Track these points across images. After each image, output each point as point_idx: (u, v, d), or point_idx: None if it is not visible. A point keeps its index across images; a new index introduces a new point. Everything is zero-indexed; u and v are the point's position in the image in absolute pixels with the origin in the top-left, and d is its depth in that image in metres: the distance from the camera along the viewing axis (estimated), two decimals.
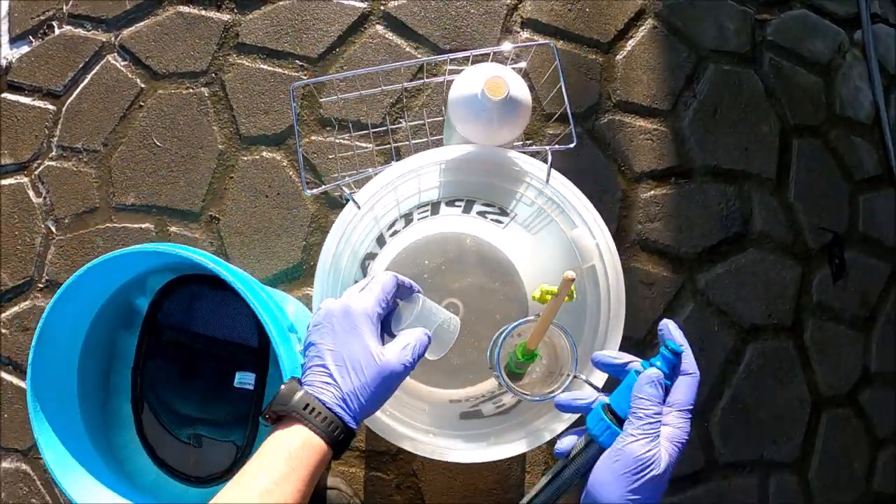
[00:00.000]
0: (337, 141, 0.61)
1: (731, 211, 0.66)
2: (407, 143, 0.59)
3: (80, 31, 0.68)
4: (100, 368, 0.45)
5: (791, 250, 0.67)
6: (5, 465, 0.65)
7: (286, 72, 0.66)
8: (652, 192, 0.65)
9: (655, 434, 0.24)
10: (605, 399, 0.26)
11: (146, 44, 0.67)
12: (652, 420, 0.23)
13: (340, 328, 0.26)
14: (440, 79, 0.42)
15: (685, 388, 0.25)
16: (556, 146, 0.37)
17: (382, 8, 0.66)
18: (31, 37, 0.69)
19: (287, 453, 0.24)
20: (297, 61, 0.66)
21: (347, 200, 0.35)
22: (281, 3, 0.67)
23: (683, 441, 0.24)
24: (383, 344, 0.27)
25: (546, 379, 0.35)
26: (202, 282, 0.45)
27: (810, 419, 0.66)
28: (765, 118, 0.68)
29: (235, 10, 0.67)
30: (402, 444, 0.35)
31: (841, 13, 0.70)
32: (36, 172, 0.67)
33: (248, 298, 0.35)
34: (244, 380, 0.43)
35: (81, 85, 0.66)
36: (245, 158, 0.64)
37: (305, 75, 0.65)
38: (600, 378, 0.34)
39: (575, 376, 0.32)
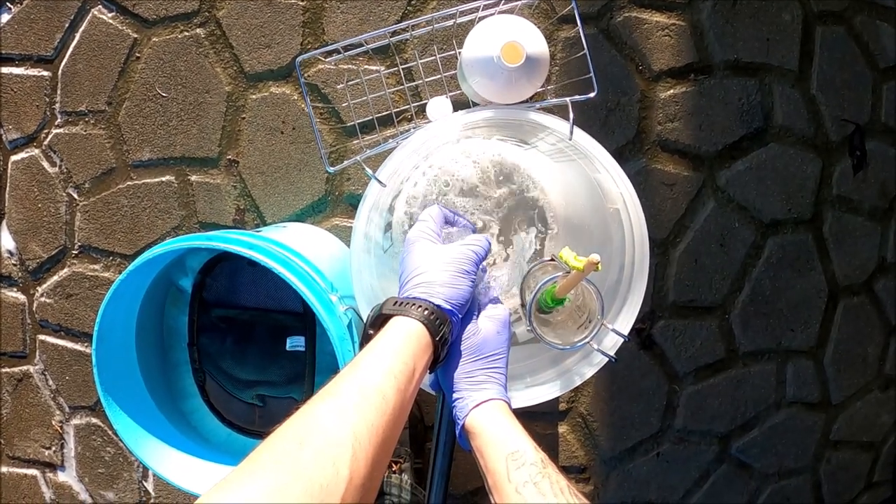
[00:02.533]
0: (345, 67, 0.52)
1: (751, 106, 0.57)
2: (416, 63, 0.51)
3: None
4: (157, 345, 0.43)
5: (812, 143, 0.58)
6: (76, 421, 0.64)
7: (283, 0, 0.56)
8: (671, 90, 0.55)
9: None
10: None
11: None
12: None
13: (408, 255, 0.28)
14: (449, 22, 0.33)
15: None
16: (576, 97, 0.32)
17: None
18: (8, 3, 0.59)
19: (390, 344, 0.24)
20: None
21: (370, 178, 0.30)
22: None
23: (505, 318, 0.27)
24: None
25: (574, 314, 0.32)
26: (239, 257, 0.40)
27: (827, 308, 0.60)
28: (786, 6, 0.56)
29: None
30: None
31: None
32: (45, 142, 0.59)
33: (285, 277, 0.32)
34: (295, 343, 0.42)
35: (72, 45, 0.57)
36: (254, 97, 0.55)
37: (302, 1, 0.55)
38: (626, 324, 0.32)
39: (603, 324, 0.30)
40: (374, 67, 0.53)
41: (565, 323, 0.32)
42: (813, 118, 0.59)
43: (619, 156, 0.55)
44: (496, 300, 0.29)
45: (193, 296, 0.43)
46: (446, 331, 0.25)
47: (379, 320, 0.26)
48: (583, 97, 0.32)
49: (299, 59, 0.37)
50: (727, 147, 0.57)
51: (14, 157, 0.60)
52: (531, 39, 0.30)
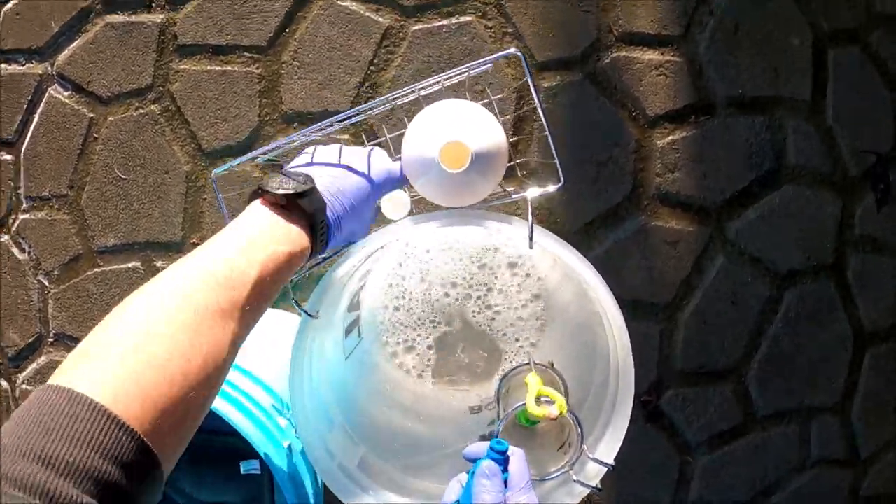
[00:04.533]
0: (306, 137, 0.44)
1: (761, 145, 0.46)
2: (384, 138, 0.42)
3: (16, 68, 0.50)
4: None
5: (830, 181, 0.47)
6: None
7: (236, 68, 0.47)
8: (670, 136, 0.45)
9: None
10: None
11: (84, 67, 0.49)
12: None
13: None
14: (407, 98, 0.24)
15: (517, 466, 0.22)
16: (537, 191, 0.23)
17: None
18: None
19: (238, 221, 0.19)
20: (245, 53, 0.47)
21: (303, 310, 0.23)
22: None
23: None
24: None
25: (554, 432, 0.27)
26: None
27: (853, 358, 0.49)
28: (795, 29, 0.45)
29: (167, 7, 0.48)
30: None
31: None
32: (13, 228, 0.52)
33: (224, 415, 0.27)
34: (250, 467, 0.37)
35: (32, 127, 0.49)
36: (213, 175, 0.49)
37: (257, 68, 0.47)
38: (609, 453, 0.25)
39: (583, 452, 0.24)
40: (342, 136, 0.45)
41: (549, 434, 0.27)
42: (830, 153, 0.48)
43: (615, 215, 0.45)
44: (529, 491, 0.22)
45: None
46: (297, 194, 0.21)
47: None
48: (544, 191, 0.24)
49: (214, 173, 0.28)
50: (736, 195, 0.46)
51: None
52: (480, 132, 0.22)
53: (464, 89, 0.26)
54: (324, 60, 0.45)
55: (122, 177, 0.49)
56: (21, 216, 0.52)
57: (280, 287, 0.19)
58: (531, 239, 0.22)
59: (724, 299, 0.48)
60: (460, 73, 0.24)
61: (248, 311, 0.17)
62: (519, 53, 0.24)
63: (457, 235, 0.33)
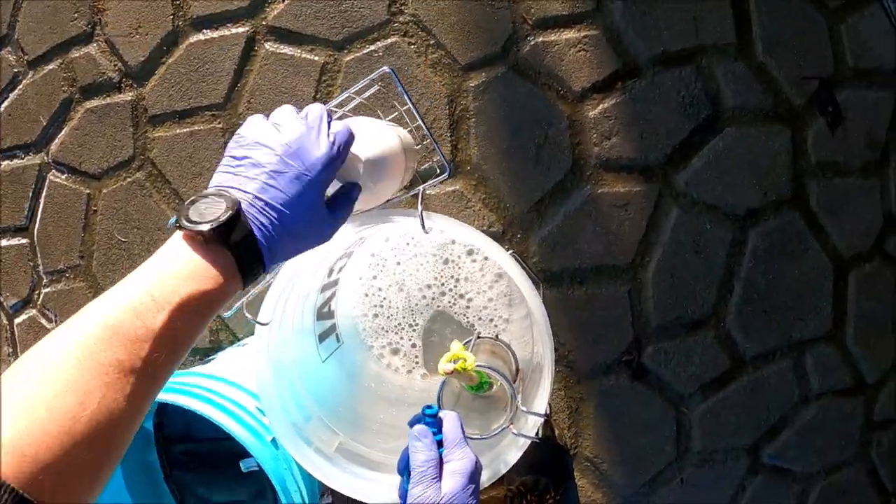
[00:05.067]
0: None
1: (693, 96, 0.47)
2: None
3: (17, 162, 0.58)
4: (143, 483, 0.42)
5: (775, 114, 0.47)
6: None
7: (203, 126, 0.52)
8: (600, 106, 0.46)
9: (432, 477, 0.22)
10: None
11: (74, 150, 0.55)
12: (423, 468, 0.22)
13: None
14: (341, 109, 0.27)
15: (449, 426, 0.23)
16: (430, 182, 0.27)
17: (264, 24, 0.51)
18: None
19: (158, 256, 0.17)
20: (206, 112, 0.53)
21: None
22: (170, 60, 0.53)
23: (469, 469, 0.22)
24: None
25: (501, 398, 0.29)
26: None
27: (836, 285, 0.48)
28: None
29: (134, 86, 0.54)
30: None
31: None
32: (39, 302, 0.59)
33: (213, 419, 0.29)
34: (249, 465, 0.41)
35: (39, 211, 0.57)
36: None
37: (220, 123, 0.52)
38: (542, 404, 0.28)
39: (517, 407, 0.27)
40: None
41: (501, 400, 0.30)
42: (768, 87, 0.48)
43: (562, 190, 0.47)
44: (463, 447, 0.23)
45: (155, 435, 0.42)
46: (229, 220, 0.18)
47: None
48: (433, 181, 0.27)
49: (170, 223, 0.33)
50: (677, 147, 0.47)
51: (17, 320, 0.61)
52: (369, 142, 0.24)
53: (376, 107, 0.29)
54: (274, 104, 0.50)
55: (122, 239, 0.55)
56: (44, 290, 0.59)
57: (199, 332, 0.17)
58: (423, 224, 0.25)
59: (687, 250, 0.48)
60: (350, 96, 0.27)
61: (157, 363, 0.15)
62: (389, 69, 0.26)
63: (394, 237, 0.36)
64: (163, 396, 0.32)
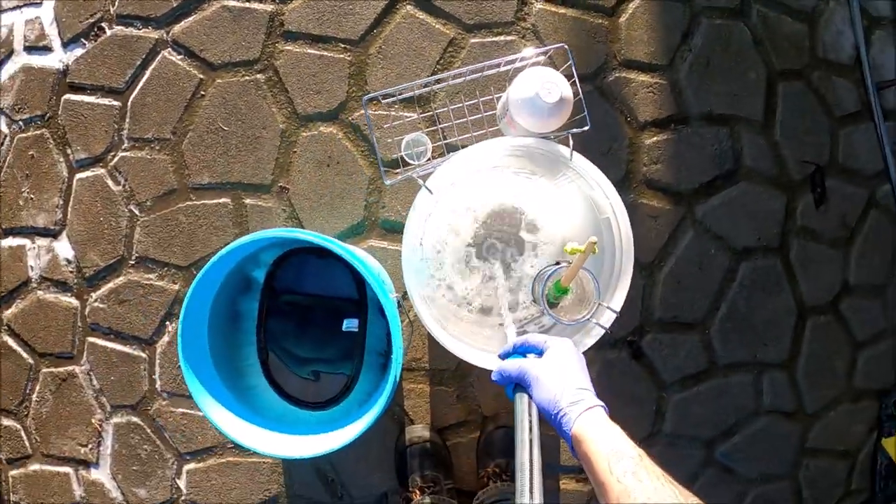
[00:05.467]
0: (387, 113, 0.70)
1: (723, 150, 0.75)
2: (444, 109, 0.70)
3: (132, 31, 0.73)
4: (226, 329, 0.55)
5: (777, 182, 0.75)
6: (116, 419, 0.76)
7: (332, 54, 0.72)
8: (654, 138, 0.74)
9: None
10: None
11: (198, 37, 0.73)
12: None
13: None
14: (476, 75, 0.53)
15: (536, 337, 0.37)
16: (574, 129, 0.50)
17: None
18: (83, 39, 0.77)
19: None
20: (340, 44, 0.74)
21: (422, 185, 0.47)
22: None
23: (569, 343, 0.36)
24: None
25: (576, 306, 0.45)
26: (307, 252, 0.56)
27: (797, 326, 0.75)
28: (752, 66, 0.75)
29: (277, 1, 0.77)
30: (469, 360, 0.47)
31: None
32: (111, 164, 0.75)
33: (353, 263, 0.45)
34: (350, 325, 0.55)
35: (142, 80, 0.72)
36: (305, 134, 0.72)
37: (349, 56, 0.75)
38: (618, 302, 0.46)
39: (599, 304, 0.43)
40: (410, 114, 0.73)
41: (569, 310, 0.46)
42: (777, 160, 0.78)
43: None
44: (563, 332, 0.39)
45: (265, 284, 0.56)
46: None
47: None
48: (579, 129, 0.51)
49: (366, 97, 0.55)
50: (703, 185, 0.75)
51: (79, 175, 0.77)
52: (563, 84, 0.47)
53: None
54: (402, 56, 0.73)
55: (224, 128, 0.75)
56: (121, 153, 0.76)
57: None
58: (571, 155, 0.48)
59: (693, 265, 0.76)
60: (524, 61, 0.51)
61: None
62: (566, 46, 0.53)
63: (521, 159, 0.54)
64: (305, 237, 0.46)
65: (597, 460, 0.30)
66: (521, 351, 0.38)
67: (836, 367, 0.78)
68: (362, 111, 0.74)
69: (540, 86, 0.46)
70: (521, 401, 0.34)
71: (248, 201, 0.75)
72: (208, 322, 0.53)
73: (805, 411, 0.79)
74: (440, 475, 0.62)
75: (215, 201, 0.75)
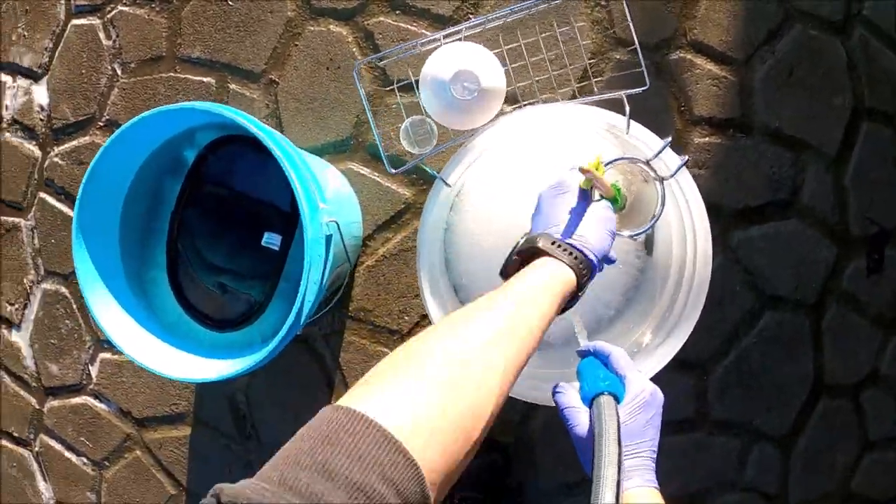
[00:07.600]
0: (404, 27, 0.56)
1: (782, 176, 0.57)
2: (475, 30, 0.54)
3: None
4: (143, 210, 0.45)
5: (832, 231, 0.58)
6: (46, 285, 0.65)
7: None
8: (706, 138, 0.56)
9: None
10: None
11: None
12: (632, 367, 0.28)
13: (556, 205, 0.30)
14: (518, 15, 0.38)
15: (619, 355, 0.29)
16: (630, 90, 0.35)
17: None
18: None
19: (545, 284, 0.25)
20: None
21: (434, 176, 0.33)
22: None
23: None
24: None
25: (633, 216, 0.36)
26: (247, 143, 0.43)
27: (808, 401, 0.58)
28: (840, 92, 0.57)
29: None
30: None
31: None
32: (108, 16, 0.63)
33: (283, 164, 0.33)
34: (271, 240, 0.43)
35: None
36: (312, 28, 0.58)
37: None
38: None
39: (663, 193, 0.34)
40: (430, 33, 0.57)
41: (632, 217, 0.37)
42: (840, 206, 0.59)
43: None
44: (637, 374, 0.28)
45: (193, 167, 0.44)
46: (585, 282, 0.27)
47: (529, 252, 0.27)
48: (636, 90, 0.35)
49: (357, 64, 0.39)
50: (748, 209, 0.57)
51: (75, 21, 0.65)
52: (486, 71, 0.32)
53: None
54: None
55: (230, 3, 0.61)
56: (120, 7, 0.63)
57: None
58: (628, 125, 0.34)
59: (712, 298, 0.58)
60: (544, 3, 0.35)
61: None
62: None
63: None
64: (238, 119, 0.35)
65: None
66: (598, 357, 0.30)
67: (837, 460, 0.60)
68: (381, 18, 0.58)
69: (452, 69, 0.32)
70: (609, 406, 0.26)
71: (232, 86, 0.60)
72: (125, 201, 0.43)
73: (786, 498, 0.60)
74: (480, 497, 0.52)
75: (199, 79, 0.61)
